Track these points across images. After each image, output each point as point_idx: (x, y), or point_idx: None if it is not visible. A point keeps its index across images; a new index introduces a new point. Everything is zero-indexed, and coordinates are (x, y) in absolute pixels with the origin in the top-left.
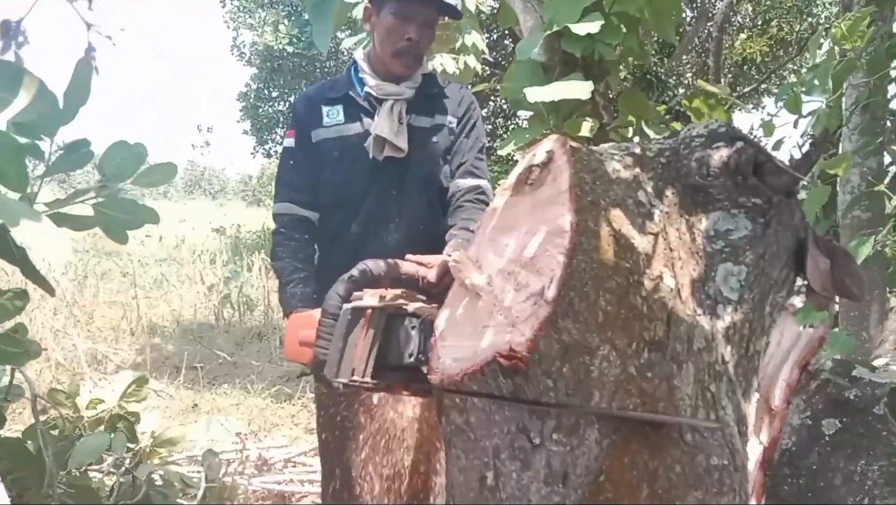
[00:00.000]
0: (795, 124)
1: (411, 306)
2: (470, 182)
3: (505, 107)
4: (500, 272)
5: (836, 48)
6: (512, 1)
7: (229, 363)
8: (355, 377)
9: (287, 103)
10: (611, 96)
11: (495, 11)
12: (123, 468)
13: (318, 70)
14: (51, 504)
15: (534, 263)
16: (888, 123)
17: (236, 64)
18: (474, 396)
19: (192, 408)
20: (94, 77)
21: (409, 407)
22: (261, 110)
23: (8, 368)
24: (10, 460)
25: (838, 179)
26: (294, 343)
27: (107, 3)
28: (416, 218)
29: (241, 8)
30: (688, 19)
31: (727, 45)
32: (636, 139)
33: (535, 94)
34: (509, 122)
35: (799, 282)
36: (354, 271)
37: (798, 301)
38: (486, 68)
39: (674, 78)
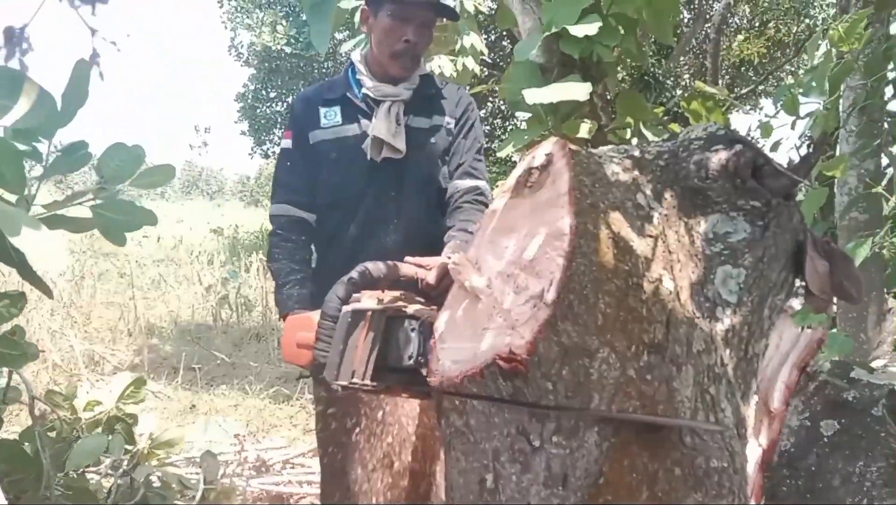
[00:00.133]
0: (793, 126)
1: (410, 308)
2: (468, 183)
3: (503, 108)
4: (500, 274)
5: (834, 50)
6: (510, 2)
7: (227, 364)
8: (355, 379)
9: (285, 104)
10: (609, 98)
11: (493, 12)
12: (121, 470)
13: (316, 71)
14: None
15: (533, 266)
16: (885, 126)
17: (236, 64)
18: (474, 399)
19: (190, 409)
20: (98, 80)
21: (408, 408)
22: (259, 111)
23: (5, 370)
24: (8, 462)
25: (836, 181)
26: (292, 345)
27: (110, 8)
28: (414, 219)
29: (239, 8)
30: (685, 21)
31: (725, 47)
32: (634, 140)
33: (534, 95)
34: (508, 123)
35: (797, 283)
36: (354, 273)
37: (797, 303)
38: (485, 69)
39: (672, 79)
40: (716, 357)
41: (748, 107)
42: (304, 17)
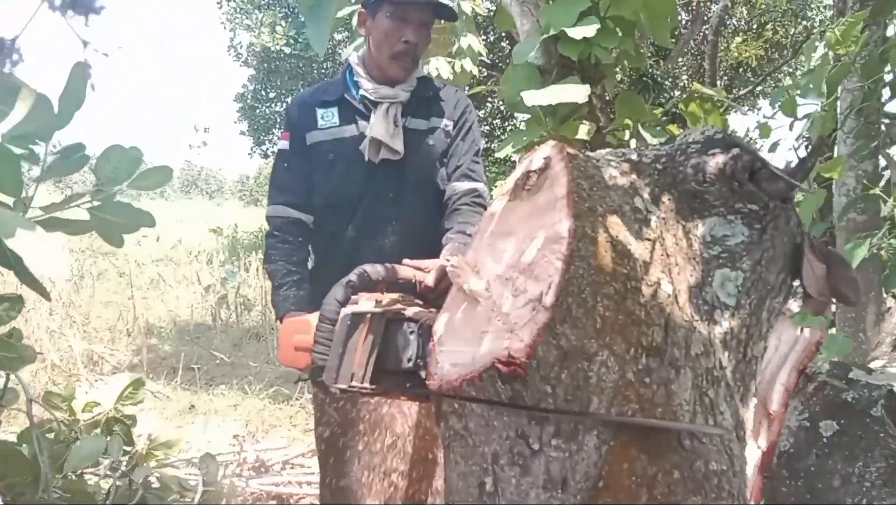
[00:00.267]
0: (791, 127)
1: (409, 311)
2: (466, 185)
3: (502, 108)
4: (499, 278)
5: (831, 53)
6: (509, 5)
7: (227, 364)
8: (354, 382)
9: (284, 104)
10: (607, 99)
11: (492, 14)
12: (120, 471)
13: (315, 71)
14: None
15: (532, 269)
16: (883, 127)
17: (235, 64)
18: (473, 402)
19: (189, 409)
20: (98, 81)
21: (407, 409)
22: (258, 111)
23: (2, 372)
24: (5, 464)
25: (834, 182)
26: (289, 348)
27: (110, 8)
28: (412, 221)
29: (238, 9)
30: (683, 22)
31: (722, 48)
32: (633, 141)
33: (532, 97)
34: (507, 124)
35: (796, 284)
36: (352, 276)
37: (795, 305)
38: (484, 70)
39: (670, 80)
40: (714, 360)
41: (746, 108)
42: (303, 18)
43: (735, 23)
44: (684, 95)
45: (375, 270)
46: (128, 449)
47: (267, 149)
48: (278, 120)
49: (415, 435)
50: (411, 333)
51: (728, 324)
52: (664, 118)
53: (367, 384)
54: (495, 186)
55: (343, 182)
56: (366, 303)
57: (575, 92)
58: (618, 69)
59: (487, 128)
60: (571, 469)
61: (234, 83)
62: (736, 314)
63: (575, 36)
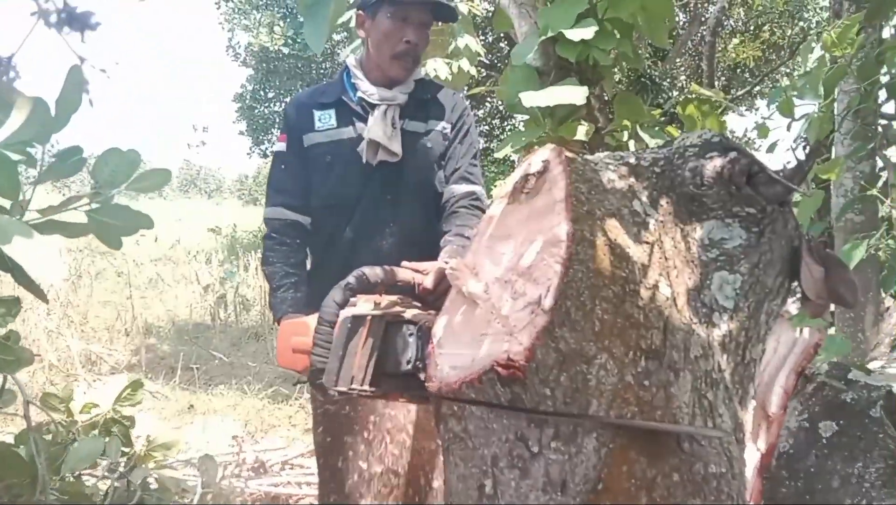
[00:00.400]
0: (789, 128)
1: (408, 313)
2: (464, 188)
3: (501, 108)
4: (498, 280)
5: (827, 55)
6: (507, 6)
7: (225, 364)
8: (354, 385)
9: (283, 104)
10: (606, 100)
11: (490, 15)
12: (118, 473)
13: (313, 71)
14: None
15: (530, 272)
16: (879, 129)
17: (234, 64)
18: (472, 404)
19: (188, 409)
20: (98, 80)
21: (406, 412)
22: (256, 111)
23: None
24: (2, 466)
25: (832, 183)
26: (287, 350)
27: (111, 8)
28: (410, 223)
29: (237, 9)
30: (681, 23)
31: (720, 49)
32: (631, 142)
33: (531, 98)
34: (506, 124)
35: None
36: (351, 278)
37: (793, 308)
38: (482, 70)
39: (668, 81)
40: (713, 362)
41: (744, 108)
42: (302, 19)
43: (732, 24)
44: (682, 96)
45: (374, 272)
46: (126, 450)
47: (266, 148)
48: (277, 120)
49: (415, 435)
50: (410, 335)
51: (726, 327)
52: (662, 119)
53: (366, 387)
54: (494, 186)
55: (341, 184)
56: (364, 305)
57: (573, 93)
58: (616, 70)
59: (486, 128)
60: (571, 471)
61: (232, 83)
62: (734, 317)
63: (573, 38)
